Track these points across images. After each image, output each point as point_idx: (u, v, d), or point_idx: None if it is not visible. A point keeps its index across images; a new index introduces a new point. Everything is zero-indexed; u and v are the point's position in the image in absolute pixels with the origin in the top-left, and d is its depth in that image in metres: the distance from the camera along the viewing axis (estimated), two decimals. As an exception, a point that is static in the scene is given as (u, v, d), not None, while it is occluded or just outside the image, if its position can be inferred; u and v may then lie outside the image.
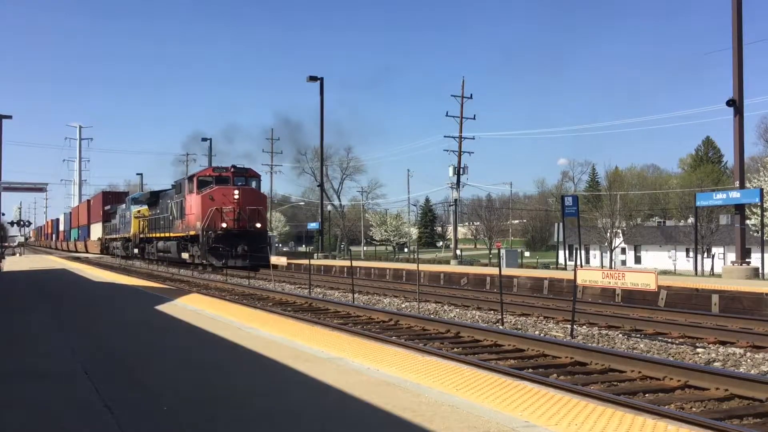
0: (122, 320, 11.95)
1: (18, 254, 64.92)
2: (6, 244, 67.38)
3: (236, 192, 33.95)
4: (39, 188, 45.57)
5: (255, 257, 32.71)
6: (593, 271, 10.89)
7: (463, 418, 5.12)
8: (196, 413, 5.47)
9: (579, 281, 10.80)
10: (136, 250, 48.91)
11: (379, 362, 7.45)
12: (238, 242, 33.19)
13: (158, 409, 5.56)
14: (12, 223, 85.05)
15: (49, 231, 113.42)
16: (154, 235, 43.25)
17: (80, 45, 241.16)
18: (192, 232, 34.61)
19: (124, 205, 55.22)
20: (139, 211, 48.39)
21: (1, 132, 33.81)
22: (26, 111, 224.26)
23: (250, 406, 5.65)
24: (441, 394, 5.89)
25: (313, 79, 38.80)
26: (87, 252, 71.08)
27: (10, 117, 34.89)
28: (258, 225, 34.26)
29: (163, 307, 13.76)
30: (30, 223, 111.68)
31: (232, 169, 35.31)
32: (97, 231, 67.13)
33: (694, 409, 6.45)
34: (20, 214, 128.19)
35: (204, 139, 64.04)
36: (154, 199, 44.63)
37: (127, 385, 6.60)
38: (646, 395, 6.97)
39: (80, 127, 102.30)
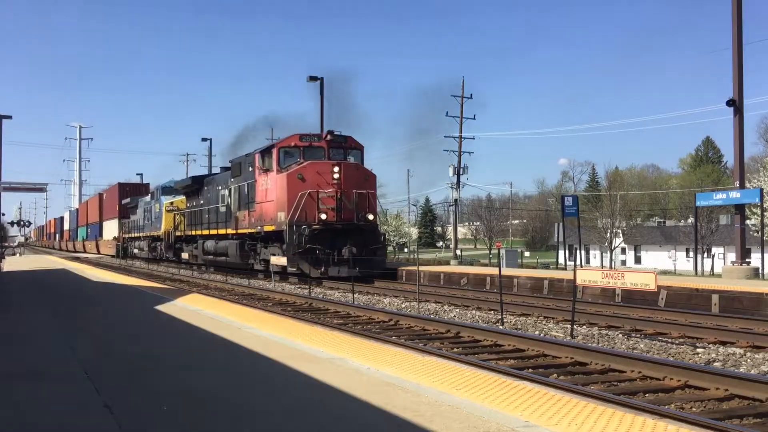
0: (122, 320, 11.95)
1: (18, 254, 64.80)
2: (6, 245, 66.56)
3: (336, 169, 23.43)
4: (39, 188, 45.32)
5: (366, 263, 22.94)
6: (593, 271, 10.89)
7: (463, 418, 5.12)
8: (196, 413, 5.47)
9: (579, 281, 10.80)
10: (169, 253, 39.48)
11: (379, 362, 7.45)
12: (342, 242, 23.00)
13: (158, 409, 5.56)
14: (12, 223, 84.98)
15: (52, 230, 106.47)
16: (196, 232, 33.77)
17: (80, 45, 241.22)
18: (269, 227, 24.68)
19: (148, 198, 45.92)
20: (172, 203, 39.01)
21: (0, 132, 33.79)
22: (26, 111, 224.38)
23: (250, 405, 5.65)
24: (441, 394, 5.89)
25: (313, 79, 38.59)
26: (99, 253, 62.60)
27: (10, 117, 34.78)
28: (370, 217, 23.80)
29: (163, 307, 13.76)
30: (30, 223, 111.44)
31: (328, 137, 24.46)
32: (111, 229, 58.08)
33: (694, 409, 6.45)
34: (20, 214, 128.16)
35: (204, 139, 62.08)
36: (195, 186, 34.48)
37: (127, 385, 6.60)
38: (646, 395, 6.97)
39: (80, 127, 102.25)
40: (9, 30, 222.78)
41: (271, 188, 24.66)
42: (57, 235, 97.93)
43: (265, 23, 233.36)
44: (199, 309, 13.35)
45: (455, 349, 9.69)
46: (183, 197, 38.09)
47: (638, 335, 10.63)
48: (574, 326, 10.74)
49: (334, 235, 23.02)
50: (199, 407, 5.64)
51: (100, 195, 65.83)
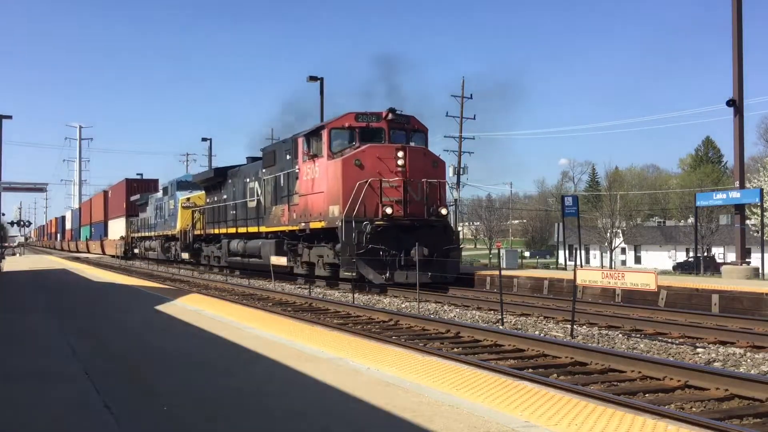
0: (122, 320, 11.95)
1: (18, 254, 64.72)
2: (6, 245, 66.18)
3: (401, 154, 19.54)
4: (39, 188, 45.25)
5: (438, 267, 19.10)
6: (593, 271, 10.89)
7: (463, 418, 5.12)
8: (196, 413, 5.46)
9: (579, 281, 10.80)
10: (185, 254, 35.33)
11: (379, 362, 7.45)
12: (410, 241, 18.78)
13: (158, 409, 5.56)
14: (12, 223, 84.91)
15: (53, 230, 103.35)
16: (220, 231, 30.26)
17: (80, 44, 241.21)
18: (316, 224, 20.61)
19: (160, 194, 42.46)
20: (189, 199, 35.52)
21: (0, 132, 33.77)
22: (26, 111, 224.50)
23: (250, 406, 5.65)
24: (441, 394, 5.89)
25: (313, 79, 38.48)
26: (104, 254, 58.32)
27: (10, 117, 34.76)
28: (443, 211, 20.14)
29: (163, 308, 13.76)
30: (30, 223, 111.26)
31: (389, 116, 20.29)
32: (118, 228, 53.70)
33: (694, 409, 6.45)
34: (20, 214, 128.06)
35: (204, 139, 61.23)
36: (218, 179, 31.03)
37: (127, 385, 6.60)
38: (646, 395, 6.97)
39: (80, 127, 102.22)
40: (9, 30, 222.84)
41: (320, 177, 20.42)
42: (58, 235, 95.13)
43: (265, 24, 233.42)
44: (199, 309, 13.35)
45: (455, 349, 9.69)
46: (202, 192, 34.59)
47: (638, 335, 10.63)
48: (574, 326, 10.74)
49: (399, 233, 19.07)
50: (199, 407, 5.64)
51: (105, 192, 61.99)
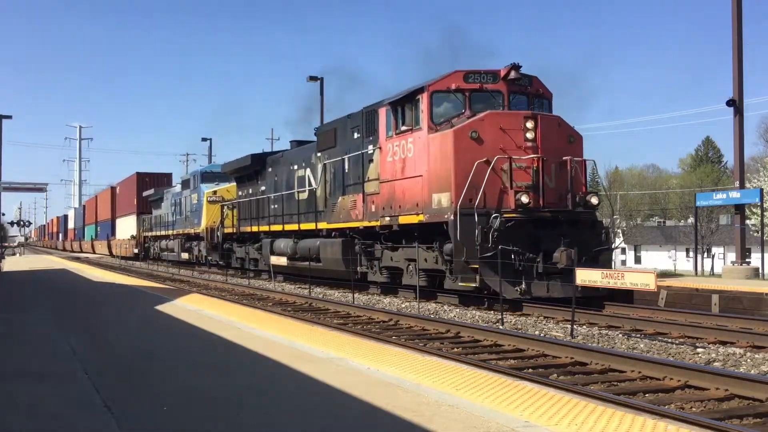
0: (122, 320, 11.95)
1: (18, 254, 64.69)
2: (6, 245, 65.98)
3: (530, 124, 14.70)
4: (39, 188, 45.21)
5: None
6: (592, 271, 10.86)
7: (463, 418, 5.12)
8: (195, 413, 5.47)
9: (578, 281, 10.79)
10: (213, 256, 31.16)
11: (379, 362, 7.45)
12: (549, 240, 14.25)
13: (158, 409, 5.56)
14: (12, 223, 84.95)
15: (55, 230, 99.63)
16: (259, 228, 25.57)
17: (80, 44, 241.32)
18: (409, 218, 15.83)
19: (178, 188, 38.65)
20: (215, 193, 31.74)
21: (1, 132, 33.79)
22: (26, 111, 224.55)
23: (250, 406, 5.65)
24: (441, 394, 5.89)
25: (313, 79, 38.45)
26: (111, 255, 53.08)
27: (10, 117, 34.78)
28: (593, 201, 15.22)
29: (163, 307, 13.76)
30: (30, 223, 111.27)
31: (512, 74, 15.31)
32: (127, 227, 49.13)
33: (694, 409, 6.45)
34: (20, 214, 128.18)
35: (204, 139, 60.21)
36: (255, 167, 26.66)
37: (127, 385, 6.61)
38: (646, 395, 6.97)
39: (80, 127, 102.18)
40: (9, 30, 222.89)
41: (416, 157, 15.54)
42: (60, 235, 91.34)
43: (269, 23, 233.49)
44: (199, 309, 13.36)
45: (455, 349, 9.69)
46: (231, 184, 30.75)
47: (638, 335, 10.63)
48: (574, 326, 10.74)
49: (534, 229, 14.25)
50: (199, 407, 5.64)
51: (113, 188, 56.93)
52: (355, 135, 18.66)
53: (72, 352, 8.41)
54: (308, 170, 22.00)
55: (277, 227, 23.81)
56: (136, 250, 46.39)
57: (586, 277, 10.69)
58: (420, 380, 6.50)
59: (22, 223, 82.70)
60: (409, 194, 15.88)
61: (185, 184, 36.99)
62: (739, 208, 24.38)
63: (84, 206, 73.77)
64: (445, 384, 6.34)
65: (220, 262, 30.32)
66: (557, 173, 14.85)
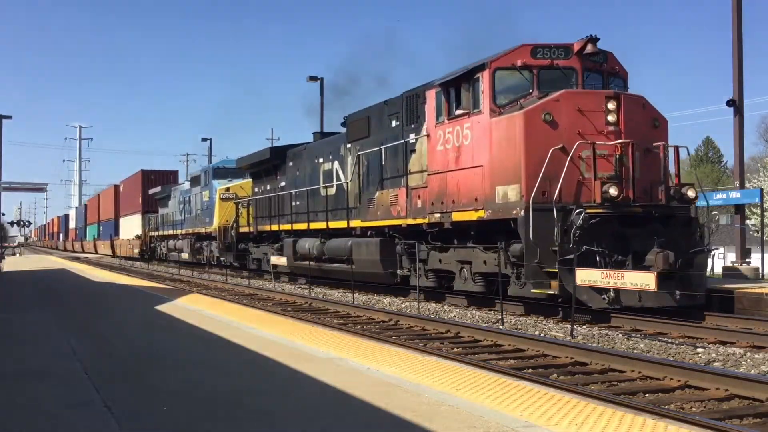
0: (122, 320, 11.96)
1: (18, 254, 64.67)
2: (6, 245, 65.86)
3: (612, 105, 12.76)
4: (39, 188, 45.21)
5: (682, 280, 12.26)
6: (593, 271, 10.84)
7: (463, 418, 5.12)
8: (195, 413, 5.47)
9: (578, 281, 10.77)
10: (226, 257, 29.22)
11: (379, 362, 7.45)
12: (639, 240, 12.42)
13: (158, 409, 5.56)
14: (12, 223, 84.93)
15: (55, 230, 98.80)
16: (280, 227, 23.60)
17: (80, 45, 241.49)
18: (466, 214, 13.92)
19: (187, 185, 36.82)
20: (228, 189, 30.12)
21: (1, 132, 33.78)
22: (26, 111, 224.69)
23: (250, 406, 5.65)
24: (441, 394, 5.89)
25: (313, 79, 38.38)
26: (114, 255, 51.23)
27: (10, 117, 34.75)
28: (690, 194, 13.29)
29: (163, 307, 13.77)
30: (30, 223, 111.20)
31: (588, 47, 13.38)
32: (132, 226, 47.46)
33: (694, 409, 6.45)
34: (20, 214, 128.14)
35: (204, 139, 59.74)
36: (274, 161, 24.67)
37: (127, 385, 6.61)
38: (646, 395, 6.97)
39: (80, 127, 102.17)
40: (9, 30, 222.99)
41: (475, 144, 13.58)
42: (61, 235, 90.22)
43: (270, 24, 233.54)
44: (199, 309, 13.36)
45: (455, 349, 9.69)
46: (246, 180, 29.20)
47: (638, 335, 10.63)
48: (574, 326, 10.73)
49: (621, 227, 12.45)
50: (199, 407, 5.64)
51: (116, 186, 55.23)
52: (393, 123, 16.81)
53: (72, 352, 8.41)
54: (336, 163, 19.97)
55: (301, 226, 21.84)
56: (136, 250, 44.89)
57: (586, 277, 10.67)
58: (420, 380, 6.50)
59: (22, 223, 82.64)
60: (466, 187, 13.83)
61: (195, 180, 35.07)
62: (739, 208, 24.37)
63: (86, 205, 72.27)
64: (445, 384, 6.34)
65: (234, 264, 28.28)
66: (642, 162, 12.82)
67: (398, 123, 16.66)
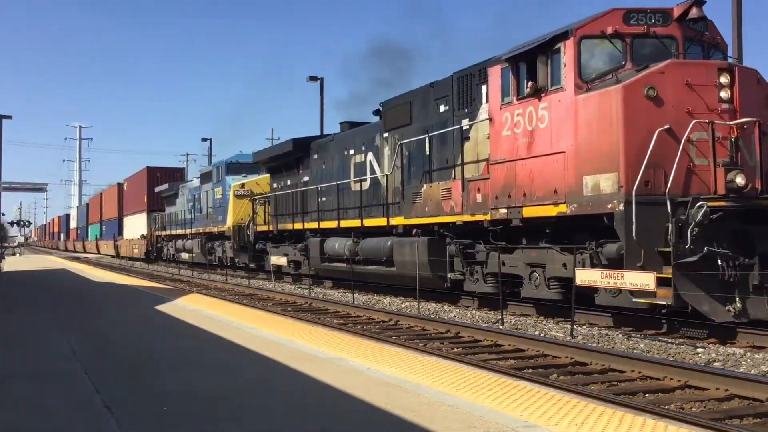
0: (122, 320, 11.96)
1: (18, 254, 64.68)
2: (6, 245, 65.74)
3: (725, 79, 10.60)
4: (39, 188, 45.34)
5: None
6: (592, 271, 10.83)
7: (463, 418, 5.12)
8: (196, 413, 5.47)
9: (578, 281, 10.75)
10: (241, 258, 27.54)
11: (379, 362, 7.46)
12: (764, 239, 10.25)
13: (158, 409, 5.56)
14: (12, 223, 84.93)
15: (56, 229, 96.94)
16: (305, 225, 21.45)
17: (81, 45, 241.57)
18: (544, 208, 11.84)
19: (196, 182, 35.27)
20: (243, 186, 28.28)
21: (1, 132, 33.80)
22: (26, 111, 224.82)
23: (250, 406, 5.65)
24: (441, 394, 5.89)
25: (313, 79, 38.30)
26: (119, 256, 49.46)
27: (10, 117, 34.74)
28: None
29: (163, 307, 13.77)
30: (30, 223, 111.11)
31: (691, 11, 11.24)
32: (137, 225, 45.49)
33: (694, 409, 6.45)
34: (20, 214, 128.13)
35: (204, 139, 59.70)
36: (297, 154, 22.65)
37: (127, 385, 6.61)
38: (646, 395, 6.97)
39: (80, 127, 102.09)
40: (9, 30, 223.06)
41: (554, 126, 11.75)
42: (62, 235, 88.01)
43: (270, 24, 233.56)
44: (199, 309, 13.37)
45: (455, 349, 9.69)
46: (262, 176, 27.52)
47: (638, 335, 10.63)
48: (574, 326, 10.73)
49: (742, 224, 10.64)
50: (199, 407, 5.64)
51: (120, 185, 53.00)
52: (441, 108, 15.01)
53: (72, 352, 8.41)
54: (370, 155, 18.12)
55: (329, 224, 19.81)
56: (141, 251, 43.28)
57: (586, 277, 10.64)
58: (420, 380, 6.51)
59: (22, 223, 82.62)
60: (541, 178, 11.94)
61: (205, 177, 33.25)
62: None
63: (87, 204, 69.71)
64: (445, 384, 6.35)
65: (251, 265, 26.24)
66: (761, 145, 10.90)
67: (447, 108, 14.83)
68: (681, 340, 10.19)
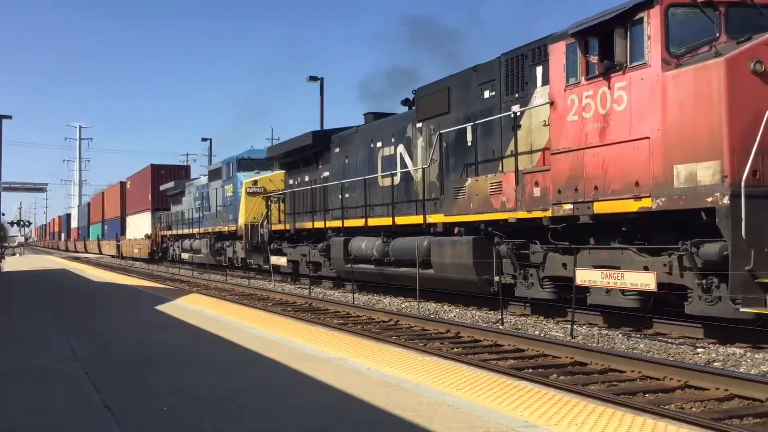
0: (122, 320, 11.96)
1: (18, 254, 64.67)
2: (6, 245, 65.63)
3: None
4: (39, 188, 45.27)
5: None
6: (592, 271, 10.83)
7: (463, 418, 5.12)
8: (196, 413, 5.47)
9: (578, 281, 10.75)
10: (254, 258, 26.10)
11: (379, 362, 7.46)
12: None
13: (158, 409, 5.56)
14: (12, 223, 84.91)
15: (56, 229, 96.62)
16: (327, 224, 19.93)
17: (81, 45, 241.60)
18: (622, 203, 10.31)
19: (203, 179, 34.24)
20: (256, 182, 26.84)
21: (1, 132, 33.79)
22: (26, 111, 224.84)
23: (250, 406, 5.65)
24: (441, 394, 5.89)
25: (313, 79, 38.12)
26: (121, 257, 48.01)
27: (10, 117, 34.74)
28: None
29: (164, 307, 13.77)
30: (30, 223, 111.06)
31: None
32: (140, 225, 44.46)
33: (694, 409, 6.45)
34: (20, 214, 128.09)
35: (204, 139, 59.61)
36: (315, 148, 21.24)
37: (127, 385, 6.61)
38: (646, 395, 6.96)
39: (80, 127, 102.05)
40: (10, 30, 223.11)
41: (634, 108, 10.32)
42: (62, 235, 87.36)
43: (270, 23, 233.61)
44: (199, 309, 13.37)
45: (455, 349, 9.69)
46: (276, 172, 26.39)
47: (638, 335, 10.62)
48: (574, 326, 10.73)
49: None
50: (199, 408, 5.64)
51: (122, 183, 51.84)
52: (486, 93, 13.74)
53: (72, 352, 8.41)
54: (401, 147, 16.72)
55: (354, 222, 18.38)
56: (145, 251, 41.86)
57: (587, 277, 10.64)
58: (420, 380, 6.51)
59: (22, 223, 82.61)
60: (618, 168, 10.51)
61: (214, 174, 31.88)
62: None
63: (89, 203, 68.51)
64: (445, 384, 6.35)
65: (264, 266, 24.98)
66: None
67: (493, 93, 13.51)
68: (681, 340, 10.19)
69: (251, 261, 26.31)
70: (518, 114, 12.60)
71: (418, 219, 15.50)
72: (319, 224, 20.36)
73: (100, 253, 57.94)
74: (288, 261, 22.78)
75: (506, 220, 12.69)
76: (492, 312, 13.47)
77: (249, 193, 26.59)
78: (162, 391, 6.25)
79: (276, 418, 5.29)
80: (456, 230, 14.35)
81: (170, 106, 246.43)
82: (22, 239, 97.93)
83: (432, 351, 9.11)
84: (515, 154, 12.48)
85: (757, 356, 8.87)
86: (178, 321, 11.70)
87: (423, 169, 15.54)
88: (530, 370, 8.05)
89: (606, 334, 10.76)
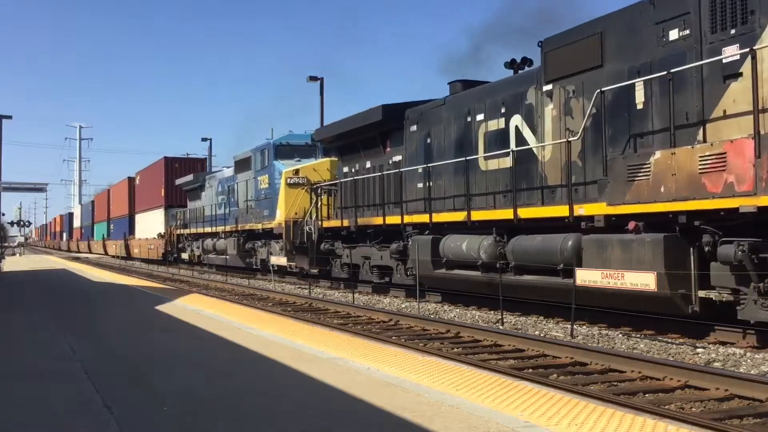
0: (122, 320, 11.96)
1: (18, 255, 64.66)
2: (6, 245, 65.60)
3: None
4: (39, 188, 45.26)
5: None
6: (592, 271, 10.82)
7: (463, 418, 5.12)
8: (196, 413, 5.47)
9: (578, 281, 10.74)
10: (298, 261, 21.88)
11: (379, 362, 7.46)
12: None
13: (158, 409, 5.56)
14: (12, 223, 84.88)
15: (58, 229, 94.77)
16: (407, 219, 16.02)
17: (81, 44, 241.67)
18: None
19: (229, 171, 30.19)
20: (297, 172, 22.98)
21: (1, 132, 33.78)
22: (26, 111, 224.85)
23: (250, 406, 5.65)
24: (441, 394, 5.89)
25: (313, 79, 37.93)
26: (130, 257, 45.33)
27: (10, 117, 34.76)
28: None
29: (163, 308, 13.78)
30: (30, 223, 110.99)
31: None
32: (151, 223, 40.87)
33: (694, 409, 6.44)
34: (20, 214, 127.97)
35: (204, 139, 59.55)
36: (382, 128, 17.67)
37: (127, 385, 6.61)
38: (646, 395, 6.96)
39: (80, 127, 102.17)
40: (10, 30, 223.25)
41: None
42: (64, 234, 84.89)
43: (268, 22, 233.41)
44: (199, 309, 13.37)
45: (455, 349, 9.69)
46: (318, 160, 23.27)
47: (638, 335, 10.62)
48: (574, 326, 10.73)
49: None
50: (199, 408, 5.64)
51: (131, 179, 47.86)
52: (672, 34, 9.95)
53: (72, 352, 8.41)
54: (516, 118, 12.99)
55: (450, 216, 14.55)
56: (158, 251, 38.28)
57: (587, 277, 10.63)
58: (420, 380, 6.51)
59: (22, 223, 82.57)
60: None
61: (242, 164, 27.68)
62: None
63: (93, 201, 65.21)
64: (445, 384, 6.35)
65: (312, 271, 21.12)
66: None
67: (687, 32, 9.75)
68: (681, 340, 10.19)
69: (292, 265, 22.28)
70: (735, 58, 8.93)
71: (560, 210, 11.53)
72: (393, 219, 16.59)
73: (106, 254, 54.69)
74: (342, 265, 19.64)
75: (735, 209, 8.55)
76: (492, 312, 13.47)
77: (290, 185, 22.86)
78: (162, 391, 6.25)
79: (276, 418, 5.29)
80: (632, 225, 10.32)
81: (170, 107, 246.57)
82: (22, 239, 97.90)
83: (432, 351, 9.11)
84: (755, 111, 8.41)
85: (757, 356, 8.87)
86: (178, 321, 11.70)
87: (571, 141, 11.43)
88: (530, 370, 8.05)
89: (606, 334, 10.76)
